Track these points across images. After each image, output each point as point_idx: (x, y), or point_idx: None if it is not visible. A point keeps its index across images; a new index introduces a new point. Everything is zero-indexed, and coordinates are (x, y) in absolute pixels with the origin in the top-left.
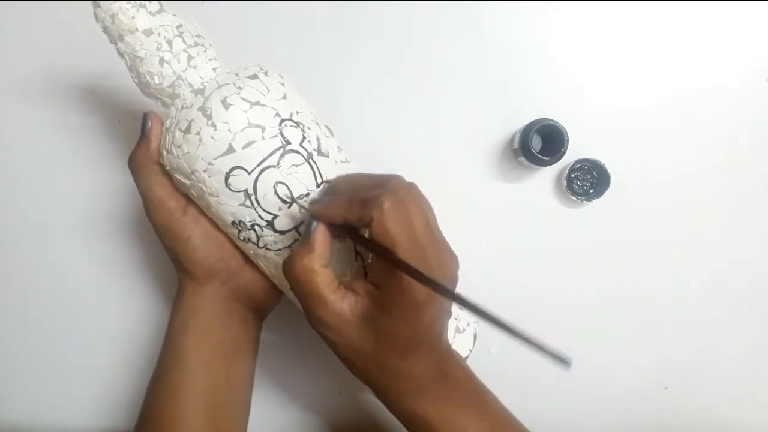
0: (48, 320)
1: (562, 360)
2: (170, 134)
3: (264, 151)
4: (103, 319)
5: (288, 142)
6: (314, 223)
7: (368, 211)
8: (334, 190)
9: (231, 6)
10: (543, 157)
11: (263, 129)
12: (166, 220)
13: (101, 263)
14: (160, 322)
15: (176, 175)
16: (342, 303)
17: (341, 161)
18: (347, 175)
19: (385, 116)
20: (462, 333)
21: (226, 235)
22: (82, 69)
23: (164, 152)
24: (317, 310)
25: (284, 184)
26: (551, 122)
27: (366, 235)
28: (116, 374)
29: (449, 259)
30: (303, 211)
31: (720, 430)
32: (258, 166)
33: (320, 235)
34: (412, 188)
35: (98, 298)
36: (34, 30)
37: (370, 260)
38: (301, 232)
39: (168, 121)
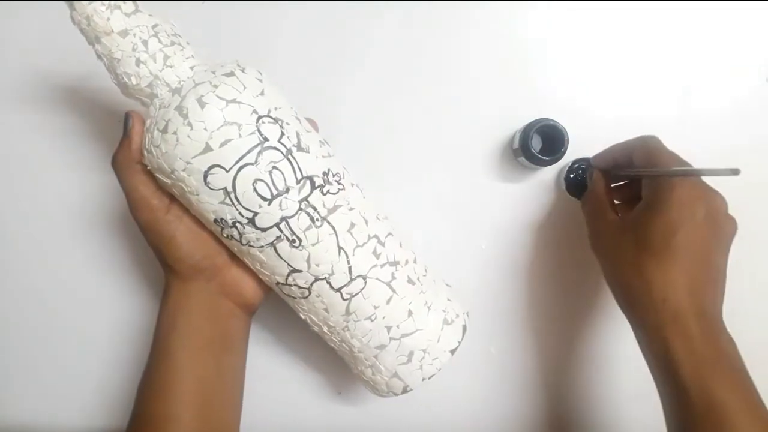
0: (39, 321)
1: (731, 171)
2: (150, 134)
3: (241, 149)
4: (93, 319)
5: (266, 139)
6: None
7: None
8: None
9: (231, 6)
10: (543, 157)
11: (240, 126)
12: (150, 219)
13: (91, 263)
14: (153, 320)
15: (158, 175)
16: (614, 215)
17: (323, 156)
18: None
19: (385, 116)
20: (450, 324)
21: (211, 232)
22: (67, 70)
23: (145, 152)
24: (597, 220)
25: (263, 181)
26: (551, 122)
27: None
28: (109, 373)
29: None
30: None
31: None
32: (236, 164)
33: (598, 178)
34: None
35: (88, 298)
36: (19, 31)
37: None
38: (282, 229)
39: (148, 121)
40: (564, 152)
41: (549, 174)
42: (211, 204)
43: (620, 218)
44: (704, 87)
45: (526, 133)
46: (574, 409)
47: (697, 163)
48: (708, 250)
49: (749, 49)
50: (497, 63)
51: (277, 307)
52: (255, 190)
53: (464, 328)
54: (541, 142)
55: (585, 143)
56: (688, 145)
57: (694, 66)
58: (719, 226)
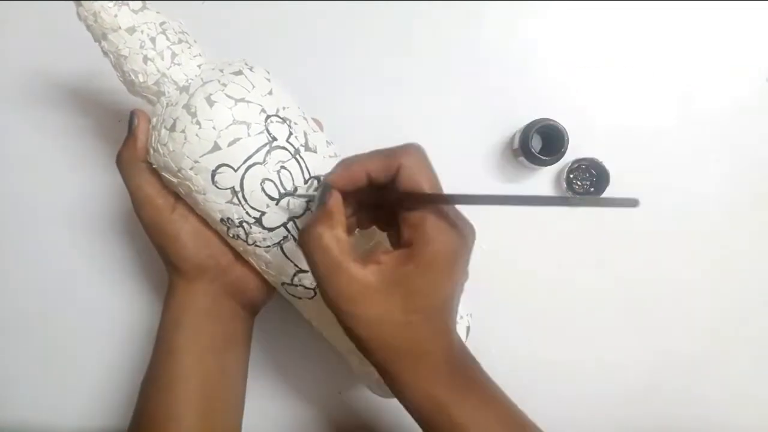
0: (39, 321)
1: (628, 202)
2: (156, 132)
3: (250, 148)
4: (93, 319)
5: (274, 139)
6: (328, 191)
7: (396, 157)
8: (344, 160)
9: (231, 6)
10: (543, 157)
11: (249, 126)
12: (155, 218)
13: (94, 263)
14: (155, 320)
15: (164, 173)
16: (364, 270)
17: (330, 156)
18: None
19: (386, 116)
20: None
21: (216, 232)
22: (71, 68)
23: (151, 150)
24: (336, 281)
25: (271, 180)
26: (551, 122)
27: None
28: (111, 373)
29: None
30: (313, 188)
31: (719, 431)
32: (244, 163)
33: (335, 200)
34: None
35: (91, 297)
36: (19, 31)
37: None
38: (289, 229)
39: (154, 120)
40: (564, 152)
41: (549, 174)
42: (218, 203)
43: (371, 271)
44: (705, 86)
45: (526, 133)
46: (574, 410)
47: (698, 161)
48: (458, 304)
49: (749, 49)
50: (497, 63)
51: (277, 307)
52: (263, 189)
53: (468, 329)
54: (541, 142)
55: (585, 143)
56: (689, 144)
57: (694, 65)
58: (465, 276)
